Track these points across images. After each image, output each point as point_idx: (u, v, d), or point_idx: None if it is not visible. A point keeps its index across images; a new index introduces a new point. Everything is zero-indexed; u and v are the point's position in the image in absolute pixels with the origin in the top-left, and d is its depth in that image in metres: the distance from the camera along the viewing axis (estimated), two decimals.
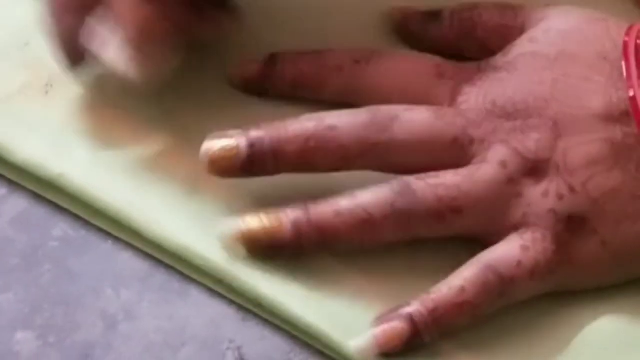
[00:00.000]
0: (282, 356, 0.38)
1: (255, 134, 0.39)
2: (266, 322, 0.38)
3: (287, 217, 0.38)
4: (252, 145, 0.39)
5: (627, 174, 0.39)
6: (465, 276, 0.38)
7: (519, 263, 0.38)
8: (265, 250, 0.38)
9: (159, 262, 0.40)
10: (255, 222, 0.39)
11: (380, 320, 0.37)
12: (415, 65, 0.42)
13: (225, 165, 0.39)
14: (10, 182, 0.41)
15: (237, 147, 0.39)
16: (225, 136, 0.39)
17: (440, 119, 0.40)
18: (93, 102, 0.43)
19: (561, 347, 0.38)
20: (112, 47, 0.40)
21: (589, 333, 0.39)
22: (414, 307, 0.37)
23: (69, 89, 0.43)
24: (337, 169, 0.39)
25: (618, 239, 0.39)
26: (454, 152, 0.39)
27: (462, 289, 0.37)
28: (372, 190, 0.39)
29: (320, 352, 0.38)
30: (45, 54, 0.43)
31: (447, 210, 0.38)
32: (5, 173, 0.41)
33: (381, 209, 0.38)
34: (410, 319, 0.37)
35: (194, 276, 0.39)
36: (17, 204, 0.41)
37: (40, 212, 0.41)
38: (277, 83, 0.44)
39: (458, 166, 0.39)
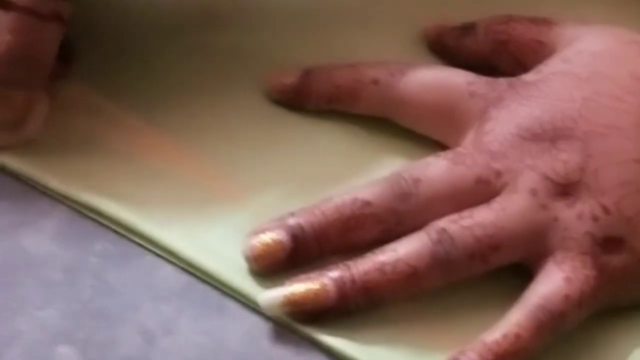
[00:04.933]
0: None
1: (293, 222, 0.40)
2: (302, 338, 0.39)
3: (330, 279, 0.38)
4: (294, 237, 0.39)
5: None
6: (518, 321, 0.37)
7: (566, 297, 0.38)
8: (310, 315, 0.38)
9: (197, 277, 0.40)
10: (298, 287, 0.38)
11: None
12: (448, 81, 0.43)
13: (270, 261, 0.39)
14: (52, 198, 0.42)
15: (280, 242, 0.39)
16: (264, 230, 0.40)
17: (460, 164, 0.40)
18: (133, 121, 0.44)
19: None
20: None
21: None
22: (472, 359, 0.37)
23: (111, 116, 0.44)
24: (377, 240, 0.40)
25: None
26: (481, 191, 0.40)
27: (518, 336, 0.37)
28: (410, 241, 0.39)
29: None
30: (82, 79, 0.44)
31: (486, 249, 0.38)
32: (46, 189, 0.42)
33: (423, 260, 0.38)
34: None
35: (232, 293, 0.40)
36: (59, 219, 0.42)
37: (81, 228, 0.41)
38: (313, 97, 0.44)
39: (488, 200, 0.39)
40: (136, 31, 0.48)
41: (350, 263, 0.39)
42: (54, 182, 0.42)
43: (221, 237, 0.40)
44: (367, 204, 0.40)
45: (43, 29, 0.40)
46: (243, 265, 0.40)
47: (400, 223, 0.40)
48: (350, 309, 0.38)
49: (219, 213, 0.41)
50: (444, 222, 0.39)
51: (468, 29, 0.46)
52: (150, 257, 0.41)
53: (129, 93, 0.45)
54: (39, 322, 0.39)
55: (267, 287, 0.39)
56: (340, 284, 0.38)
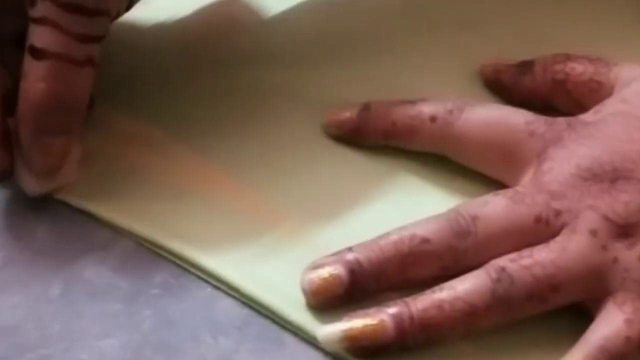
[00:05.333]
0: None
1: (352, 258, 0.40)
2: None
3: (388, 316, 0.38)
4: (352, 273, 0.39)
5: None
6: None
7: (628, 339, 0.37)
8: (368, 350, 0.38)
9: (256, 311, 0.40)
10: (356, 323, 0.39)
11: None
12: (506, 120, 0.43)
13: (328, 295, 0.40)
14: (113, 229, 0.43)
15: (338, 277, 0.39)
16: (322, 265, 0.40)
17: (519, 203, 0.40)
18: (188, 156, 0.44)
19: None
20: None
21: None
22: None
23: (166, 147, 0.45)
24: (435, 277, 0.40)
25: None
26: (540, 230, 0.40)
27: None
28: (469, 279, 0.39)
29: None
30: (138, 113, 0.45)
31: (545, 289, 0.38)
32: (107, 222, 0.43)
33: (482, 299, 0.38)
34: None
35: (290, 327, 0.40)
36: (121, 250, 0.42)
37: (142, 259, 0.42)
38: (370, 133, 0.45)
39: (547, 240, 0.39)
40: (184, 65, 0.49)
41: (408, 300, 0.39)
42: (114, 217, 0.42)
43: (279, 271, 0.41)
44: (425, 240, 0.40)
45: (77, 75, 0.40)
46: (301, 299, 0.40)
47: (458, 261, 0.40)
48: (408, 346, 0.39)
49: (276, 246, 0.42)
50: (503, 261, 0.39)
51: (525, 67, 0.46)
52: (210, 290, 0.41)
53: (179, 125, 0.46)
54: (99, 351, 0.39)
55: (326, 321, 0.39)
56: (398, 320, 0.38)
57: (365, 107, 0.45)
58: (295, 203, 0.43)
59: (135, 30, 0.50)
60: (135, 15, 0.48)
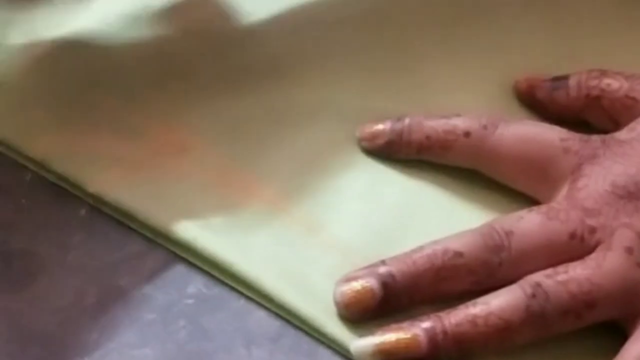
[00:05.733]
0: None
1: (385, 271, 0.40)
2: None
3: (421, 330, 0.38)
4: (385, 285, 0.40)
5: None
6: None
7: None
8: None
9: (289, 322, 0.41)
10: (389, 337, 0.39)
11: None
12: (541, 136, 0.43)
13: (361, 308, 0.40)
14: (148, 239, 0.43)
15: (371, 290, 0.40)
16: (355, 278, 0.40)
17: (553, 219, 0.40)
18: (226, 165, 0.45)
19: None
20: None
21: None
22: None
23: (203, 153, 0.45)
24: (468, 292, 0.40)
25: None
26: (574, 246, 0.40)
27: None
28: (503, 294, 0.39)
29: None
30: (178, 118, 0.45)
31: (581, 306, 0.38)
32: (142, 231, 0.43)
33: (516, 314, 0.38)
34: None
35: (323, 339, 0.40)
36: (155, 260, 0.42)
37: (176, 270, 0.42)
38: (403, 147, 0.45)
39: (581, 256, 0.39)
40: (215, 72, 0.49)
41: (442, 314, 0.39)
42: (153, 219, 0.42)
43: (315, 282, 0.41)
44: (458, 255, 0.40)
45: None
46: (336, 312, 0.40)
47: (491, 275, 0.40)
48: (440, 359, 0.39)
49: (312, 257, 0.42)
50: (538, 277, 0.39)
51: (560, 82, 0.46)
52: (243, 301, 0.41)
53: (214, 131, 0.46)
54: None
55: (360, 334, 0.39)
56: (431, 334, 0.38)
57: (400, 121, 0.45)
58: (333, 215, 0.43)
59: (164, 38, 0.50)
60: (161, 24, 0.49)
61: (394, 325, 0.39)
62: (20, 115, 0.46)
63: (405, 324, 0.39)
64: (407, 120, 0.45)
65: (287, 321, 0.41)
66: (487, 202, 0.44)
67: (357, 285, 0.40)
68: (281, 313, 0.41)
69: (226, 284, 0.42)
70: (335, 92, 0.47)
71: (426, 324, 0.39)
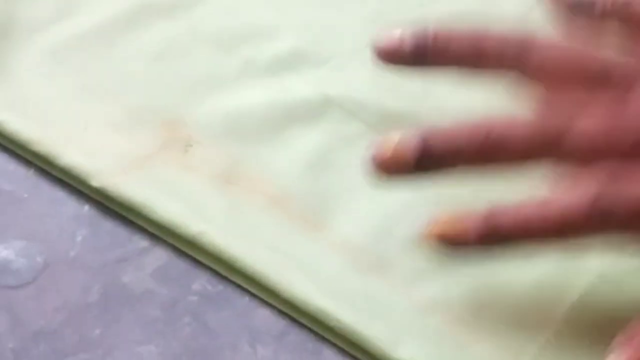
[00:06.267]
0: None
1: (424, 131, 0.38)
2: None
3: (478, 217, 0.37)
4: (423, 140, 0.38)
5: None
6: None
7: None
8: (451, 248, 0.38)
9: (294, 321, 0.41)
10: (443, 224, 0.38)
11: None
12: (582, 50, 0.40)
13: (398, 162, 0.38)
14: (152, 235, 0.43)
15: (408, 143, 0.38)
16: (392, 136, 0.38)
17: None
18: (231, 161, 0.44)
19: None
20: None
21: None
22: None
23: (208, 149, 0.45)
24: (516, 161, 0.38)
25: None
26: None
27: None
28: (570, 185, 0.37)
29: None
30: (184, 114, 0.45)
31: None
32: (146, 227, 0.43)
33: (580, 206, 0.37)
34: None
35: (328, 336, 0.40)
36: (159, 257, 0.42)
37: (180, 266, 0.42)
38: (435, 56, 0.41)
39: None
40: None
41: (495, 205, 0.38)
42: (158, 215, 0.42)
43: (320, 278, 0.41)
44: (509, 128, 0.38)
45: None
46: (343, 306, 0.40)
47: (549, 149, 0.38)
48: (493, 246, 0.38)
49: (317, 254, 0.42)
50: (607, 169, 0.37)
51: (585, 5, 0.42)
52: (248, 299, 0.41)
53: (224, 129, 0.46)
54: (138, 357, 0.39)
55: (370, 330, 0.39)
56: (489, 222, 0.37)
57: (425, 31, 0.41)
58: (338, 213, 0.43)
59: (169, 35, 0.50)
60: None
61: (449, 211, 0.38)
62: (24, 109, 0.46)
63: (460, 212, 0.38)
64: (434, 29, 0.41)
65: (292, 319, 0.41)
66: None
67: (393, 138, 0.38)
68: (286, 310, 0.41)
69: (231, 281, 0.42)
70: (341, 89, 0.47)
71: (480, 213, 0.37)
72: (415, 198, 0.44)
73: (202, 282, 0.42)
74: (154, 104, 0.46)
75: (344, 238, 0.42)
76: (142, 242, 0.43)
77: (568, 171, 0.38)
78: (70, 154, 0.44)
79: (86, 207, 0.44)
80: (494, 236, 0.38)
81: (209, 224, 0.42)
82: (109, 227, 0.43)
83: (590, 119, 0.38)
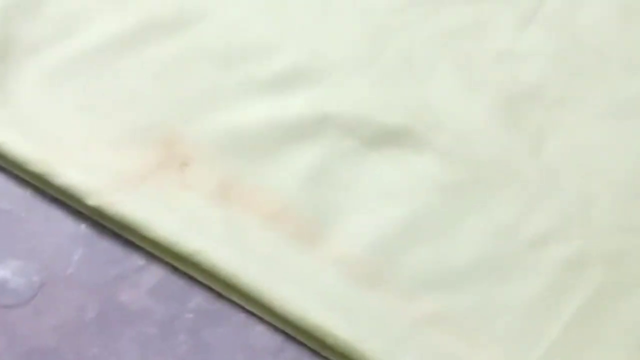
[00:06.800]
0: None
1: None
2: None
3: None
4: None
5: None
6: None
7: None
8: None
9: (291, 337, 0.41)
10: None
11: None
12: None
13: None
14: (149, 254, 0.43)
15: None
16: None
17: None
18: (229, 177, 0.45)
19: None
20: None
21: None
22: None
23: (204, 167, 0.45)
24: None
25: None
26: None
27: None
28: None
29: None
30: (182, 131, 0.45)
31: None
32: (143, 245, 0.43)
33: None
34: None
35: (325, 353, 0.40)
36: (155, 274, 0.42)
37: (176, 284, 0.42)
38: None
39: None
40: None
41: None
42: (154, 232, 0.42)
43: (317, 293, 0.41)
44: None
45: None
46: (339, 322, 0.40)
47: None
48: None
49: (315, 270, 0.42)
50: None
51: None
52: (244, 316, 0.41)
53: (221, 146, 0.46)
54: None
55: (366, 344, 0.39)
56: None
57: None
58: (336, 228, 0.43)
59: (168, 51, 0.50)
60: None
61: None
62: (22, 129, 0.46)
63: None
64: None
65: (289, 336, 0.41)
66: (492, 215, 0.44)
67: None
68: (282, 326, 0.41)
69: (227, 299, 0.42)
70: (338, 106, 0.47)
71: None
72: (415, 214, 0.44)
73: (198, 299, 0.42)
74: (152, 121, 0.46)
75: (341, 253, 0.42)
76: (138, 261, 0.43)
77: None
78: (67, 173, 0.44)
79: (83, 226, 0.44)
80: None
81: (205, 242, 0.42)
82: (106, 245, 0.43)
83: None
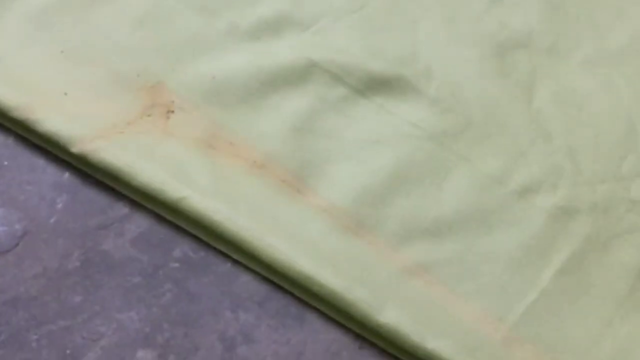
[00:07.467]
0: None
1: None
2: (383, 351, 0.39)
3: None
4: None
5: None
6: None
7: None
8: None
9: (277, 286, 0.40)
10: None
11: None
12: None
13: None
14: (133, 202, 0.42)
15: None
16: None
17: None
18: (214, 126, 0.44)
19: None
20: None
21: None
22: None
23: (189, 115, 0.44)
24: None
25: None
26: None
27: None
28: None
29: None
30: (166, 79, 0.44)
31: None
32: (127, 193, 0.42)
33: None
34: None
35: (311, 302, 0.40)
36: (139, 223, 0.42)
37: (161, 233, 0.41)
38: None
39: None
40: None
41: None
42: (138, 180, 0.41)
43: (304, 241, 0.40)
44: None
45: None
46: (326, 271, 0.39)
47: None
48: None
49: (301, 219, 0.41)
50: None
51: None
52: (230, 265, 0.41)
53: (207, 94, 0.45)
54: (118, 324, 0.39)
55: (350, 290, 0.39)
56: None
57: None
58: (322, 177, 0.43)
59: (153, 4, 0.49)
60: None
61: None
62: (3, 76, 0.45)
63: None
64: None
65: (275, 285, 0.40)
66: (480, 165, 0.44)
67: None
68: (268, 275, 0.40)
69: (212, 248, 0.41)
70: (326, 54, 0.46)
71: None
72: (400, 164, 0.43)
73: (183, 248, 0.41)
74: (136, 69, 0.45)
75: (328, 202, 0.42)
76: (122, 209, 0.42)
77: None
78: (50, 121, 0.43)
79: (66, 174, 0.43)
80: None
81: (190, 190, 0.41)
82: (90, 194, 0.42)
83: None
